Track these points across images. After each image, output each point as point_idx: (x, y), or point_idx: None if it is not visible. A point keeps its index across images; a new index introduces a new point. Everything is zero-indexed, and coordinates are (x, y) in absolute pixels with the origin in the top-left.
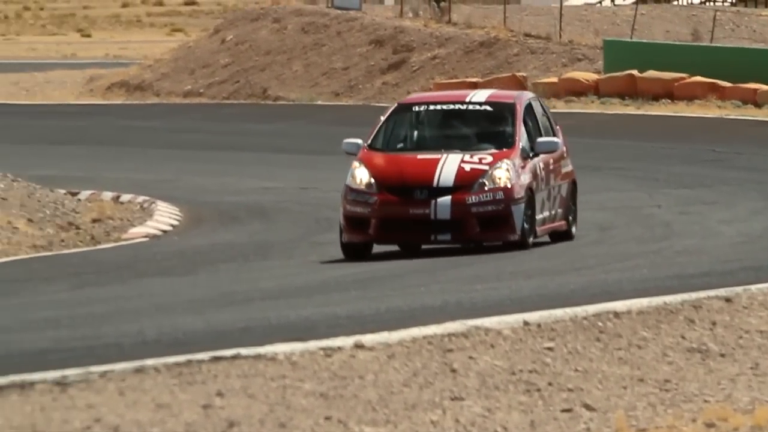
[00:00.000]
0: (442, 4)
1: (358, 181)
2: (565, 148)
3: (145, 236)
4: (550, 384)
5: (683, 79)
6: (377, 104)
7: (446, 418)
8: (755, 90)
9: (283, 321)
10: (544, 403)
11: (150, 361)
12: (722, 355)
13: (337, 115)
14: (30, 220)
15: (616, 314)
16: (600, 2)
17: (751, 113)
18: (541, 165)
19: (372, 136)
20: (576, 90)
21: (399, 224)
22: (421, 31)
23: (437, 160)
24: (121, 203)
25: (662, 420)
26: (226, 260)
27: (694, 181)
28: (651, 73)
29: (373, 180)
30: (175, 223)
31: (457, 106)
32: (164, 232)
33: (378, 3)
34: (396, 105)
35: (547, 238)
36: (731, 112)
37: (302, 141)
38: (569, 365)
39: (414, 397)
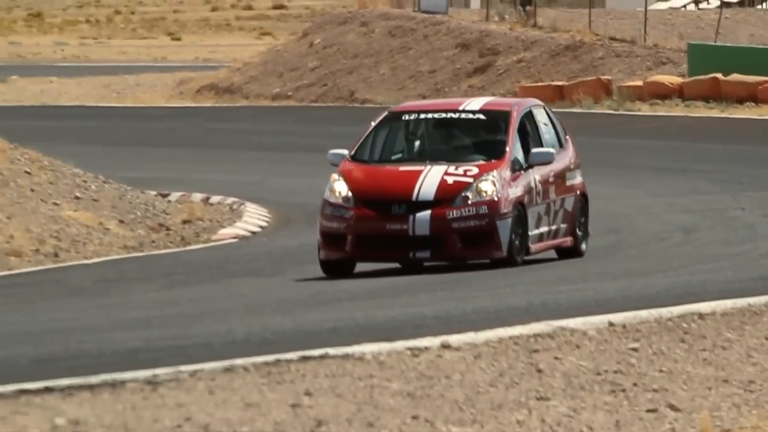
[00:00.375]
0: (528, 7)
1: (336, 194)
2: (573, 160)
3: (234, 237)
4: (635, 384)
5: (767, 82)
6: None
7: (532, 417)
8: None
9: (370, 321)
10: (629, 403)
11: (239, 361)
12: None
13: None
14: (121, 222)
15: (701, 315)
16: (684, 6)
17: None
18: (537, 177)
19: (356, 147)
20: (660, 93)
21: (376, 241)
22: (506, 35)
23: (419, 173)
24: (211, 205)
25: (746, 420)
26: (313, 261)
27: None
28: (735, 77)
29: (350, 193)
30: (264, 224)
31: (449, 115)
32: (253, 233)
33: (464, 7)
34: (386, 113)
35: (552, 254)
36: None
37: None
38: (654, 366)
39: (500, 397)
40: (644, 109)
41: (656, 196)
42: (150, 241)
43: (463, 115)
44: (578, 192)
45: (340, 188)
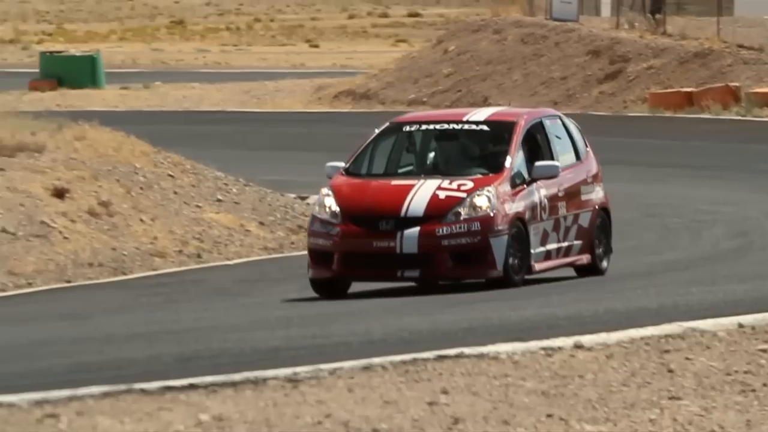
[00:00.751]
0: (658, 16)
1: (325, 210)
2: (592, 174)
3: None
4: (765, 385)
5: None
6: (594, 113)
7: (664, 416)
8: None
9: (504, 322)
10: (759, 403)
11: (377, 360)
12: None
13: None
14: (261, 223)
15: None
16: None
17: None
18: (544, 192)
19: (351, 160)
20: None
21: (363, 259)
22: (636, 42)
23: (410, 187)
24: None
25: None
26: None
27: None
28: None
29: (338, 209)
30: None
31: (451, 126)
32: None
33: (594, 15)
34: (387, 124)
35: (570, 273)
36: None
37: None
38: None
39: (632, 396)
40: None
41: None
42: (289, 242)
43: (466, 126)
44: (597, 207)
45: (329, 203)
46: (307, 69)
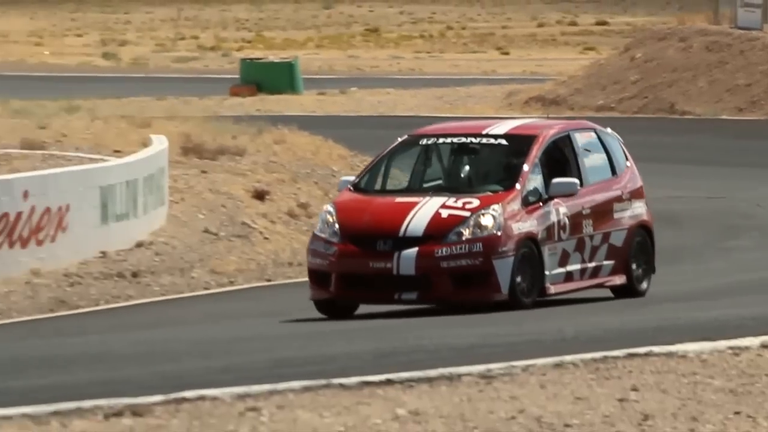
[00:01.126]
0: None
1: (326, 227)
2: (629, 189)
3: None
4: None
5: None
6: None
7: None
8: None
9: (692, 322)
10: None
11: (569, 357)
12: None
13: (741, 129)
14: None
15: None
16: None
17: None
18: (564, 210)
19: (361, 175)
20: None
21: (359, 280)
22: None
23: (412, 205)
24: None
25: None
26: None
27: None
28: None
29: (337, 227)
30: None
31: (469, 140)
32: None
33: None
34: (405, 136)
35: (607, 293)
36: None
37: (708, 153)
38: None
39: None
40: None
41: None
42: None
43: (485, 140)
44: (634, 225)
45: (330, 221)
46: (498, 75)
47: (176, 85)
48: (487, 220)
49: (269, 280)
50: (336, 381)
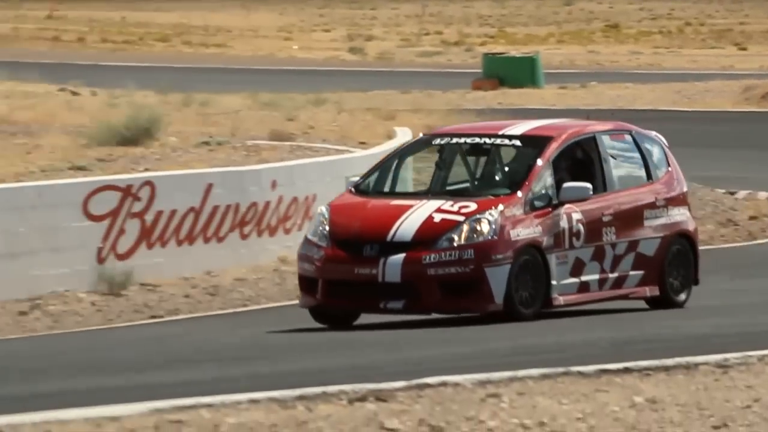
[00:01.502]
0: None
1: (318, 231)
2: (665, 195)
3: None
4: None
5: None
6: None
7: None
8: None
9: None
10: None
11: None
12: None
13: None
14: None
15: None
16: None
17: None
18: (578, 216)
19: (366, 175)
20: None
21: (345, 287)
22: None
23: (405, 209)
24: None
25: None
26: None
27: None
28: None
29: (327, 230)
30: None
31: (483, 140)
32: None
33: None
34: (419, 135)
35: (642, 304)
36: None
37: None
38: None
39: None
40: None
41: None
42: (719, 235)
43: (499, 141)
44: (671, 233)
45: (322, 224)
46: (736, 71)
47: (420, 79)
48: (483, 226)
49: None
50: (574, 369)
